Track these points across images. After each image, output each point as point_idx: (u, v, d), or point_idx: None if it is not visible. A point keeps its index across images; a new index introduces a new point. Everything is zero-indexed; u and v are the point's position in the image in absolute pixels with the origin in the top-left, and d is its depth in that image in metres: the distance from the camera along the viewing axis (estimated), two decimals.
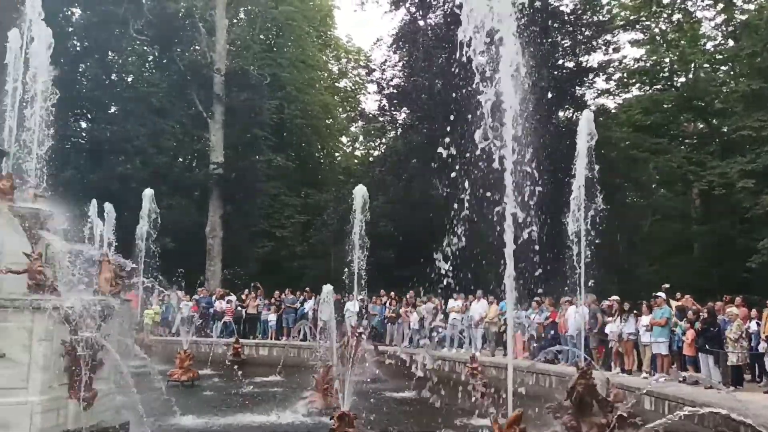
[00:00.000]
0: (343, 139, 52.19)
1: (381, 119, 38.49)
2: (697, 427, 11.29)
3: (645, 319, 16.04)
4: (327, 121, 48.06)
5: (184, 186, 38.66)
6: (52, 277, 9.81)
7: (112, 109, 38.85)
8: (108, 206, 20.53)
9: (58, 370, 9.44)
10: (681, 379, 13.98)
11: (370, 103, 54.82)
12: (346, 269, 22.28)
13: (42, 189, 11.99)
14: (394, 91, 34.83)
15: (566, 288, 15.05)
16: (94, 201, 20.42)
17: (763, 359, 14.03)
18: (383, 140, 44.42)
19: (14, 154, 12.95)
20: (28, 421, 8.94)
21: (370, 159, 44.88)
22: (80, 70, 37.83)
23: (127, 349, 11.60)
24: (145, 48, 41.74)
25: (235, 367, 20.03)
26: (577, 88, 32.59)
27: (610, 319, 17.04)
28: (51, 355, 9.33)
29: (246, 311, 26.42)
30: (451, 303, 21.97)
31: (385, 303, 24.57)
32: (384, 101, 35.73)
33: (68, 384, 9.56)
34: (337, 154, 50.82)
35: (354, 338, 19.14)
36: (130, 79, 41.64)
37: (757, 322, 14.70)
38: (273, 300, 26.43)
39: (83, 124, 39.45)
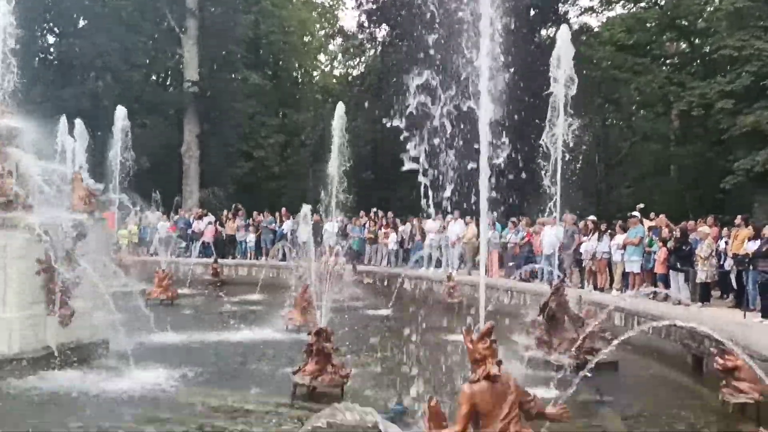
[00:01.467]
0: (322, 58, 51.06)
1: (360, 36, 37.55)
2: (664, 340, 11.67)
3: (619, 238, 16.31)
4: (305, 38, 46.82)
5: (158, 104, 37.81)
6: (24, 194, 9.64)
7: (81, 24, 37.38)
8: (79, 123, 19.97)
9: (34, 288, 9.43)
10: (651, 295, 14.34)
11: (349, 20, 53.29)
12: (325, 190, 22.26)
13: (9, 105, 11.60)
14: (373, 6, 33.85)
15: (542, 208, 15.17)
16: (63, 118, 19.85)
17: (730, 276, 14.41)
18: (362, 59, 43.50)
19: None
20: (6, 337, 9.01)
21: (349, 78, 44.05)
22: None
23: (104, 268, 11.59)
24: None
25: (214, 286, 20.20)
26: (560, 5, 31.95)
27: (585, 238, 17.31)
28: (27, 273, 9.31)
29: (225, 232, 26.43)
30: (429, 223, 22.12)
31: (364, 224, 24.68)
32: (363, 17, 34.76)
33: (45, 302, 9.59)
34: (315, 73, 49.80)
35: (332, 258, 19.34)
36: None
37: (726, 241, 15.02)
38: (251, 221, 26.41)
39: (51, 39, 38.02)
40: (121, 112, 24.66)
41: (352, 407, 3.56)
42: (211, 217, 27.35)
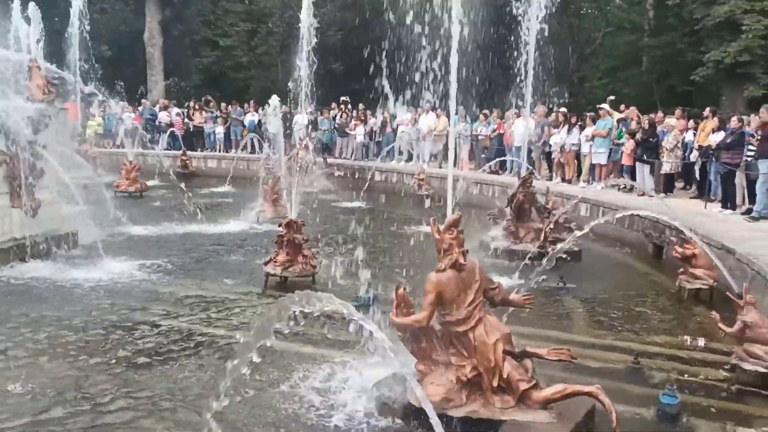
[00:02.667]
0: None
1: None
2: (627, 230, 12.02)
3: (588, 131, 16.39)
4: None
5: None
6: None
7: None
8: (32, 6, 18.91)
9: None
10: (617, 186, 14.62)
11: None
12: (294, 81, 21.72)
13: None
14: None
15: (515, 100, 15.06)
16: (17, 2, 18.78)
17: (694, 168, 14.69)
18: None
19: None
20: None
21: None
22: None
23: (68, 159, 11.37)
24: None
25: (183, 179, 20.03)
26: None
27: (555, 130, 17.35)
28: None
29: (193, 124, 25.92)
30: (400, 116, 21.91)
31: (334, 116, 24.36)
32: None
33: (9, 193, 9.43)
34: None
35: (302, 150, 19.19)
36: None
37: (693, 132, 15.20)
38: (220, 112, 25.87)
39: None
40: None
41: (323, 296, 3.64)
42: (177, 109, 26.71)
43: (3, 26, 17.30)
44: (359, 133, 23.08)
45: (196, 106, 26.36)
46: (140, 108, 26.80)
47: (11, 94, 10.18)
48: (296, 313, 3.49)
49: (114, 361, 5.94)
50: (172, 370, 5.77)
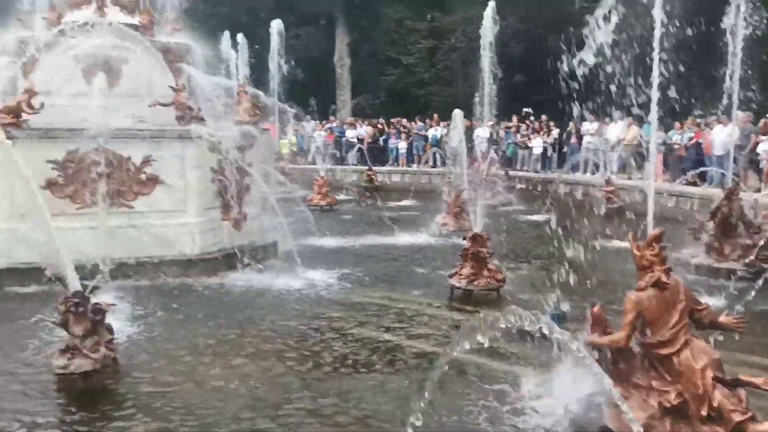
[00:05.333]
0: None
1: None
2: None
3: None
4: None
5: (310, 15, 38.39)
6: (197, 108, 10.32)
7: None
8: (241, 38, 20.84)
9: (210, 195, 10.24)
10: None
11: None
12: (476, 94, 21.82)
13: (178, 22, 12.30)
14: None
15: (718, 106, 13.93)
16: (227, 33, 20.78)
17: None
18: None
19: None
20: (190, 240, 9.91)
21: None
22: None
23: (268, 175, 12.30)
24: None
25: (369, 193, 20.84)
26: None
27: (764, 137, 15.79)
28: (203, 181, 10.09)
29: (378, 139, 26.98)
30: (586, 125, 21.17)
31: (517, 129, 24.10)
32: None
33: (220, 207, 10.39)
34: None
35: (484, 163, 19.19)
36: None
37: None
38: (402, 128, 26.66)
39: None
40: (277, 24, 25.38)
41: (521, 311, 3.58)
42: (364, 125, 27.94)
43: (215, 55, 19.20)
44: (537, 144, 22.66)
45: (381, 123, 27.43)
46: (330, 126, 28.40)
47: (223, 117, 11.26)
48: (498, 328, 3.48)
49: (312, 365, 6.29)
50: (365, 377, 5.99)
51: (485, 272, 8.78)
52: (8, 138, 6.92)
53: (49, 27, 11.04)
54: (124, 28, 10.57)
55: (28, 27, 11.61)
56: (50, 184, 9.17)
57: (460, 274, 8.84)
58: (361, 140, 26.86)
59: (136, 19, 11.21)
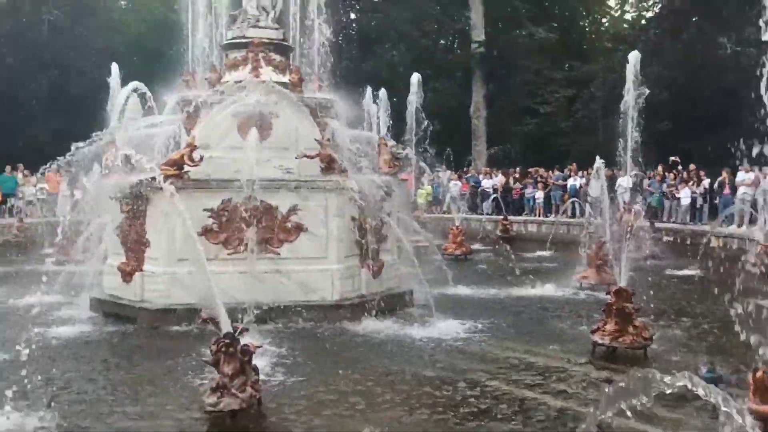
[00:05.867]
0: (611, 2, 48.00)
1: None
2: None
3: None
4: None
5: (446, 68, 39.27)
6: (340, 159, 10.78)
7: None
8: (382, 92, 21.69)
9: (350, 243, 10.56)
10: None
11: None
12: (619, 140, 21.18)
13: (324, 80, 13.01)
14: None
15: None
16: (369, 88, 21.72)
17: None
18: None
19: (298, 50, 14.15)
20: (330, 286, 10.24)
21: (643, 21, 40.81)
22: None
23: (405, 224, 12.53)
24: None
25: (504, 242, 20.56)
26: None
27: None
28: (344, 229, 10.45)
29: (512, 189, 26.74)
30: (741, 176, 19.82)
31: (662, 178, 23.03)
32: None
33: (359, 255, 10.68)
34: (603, 20, 47.10)
35: (627, 214, 18.39)
36: None
37: None
38: (539, 177, 26.28)
39: (352, 15, 41.59)
40: (416, 78, 26.14)
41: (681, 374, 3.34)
42: (499, 175, 27.84)
43: (358, 109, 20.05)
44: (685, 194, 21.48)
45: (516, 173, 27.20)
46: (466, 176, 28.55)
47: (364, 169, 11.68)
48: (652, 389, 3.29)
49: (453, 415, 6.23)
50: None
51: (631, 329, 8.34)
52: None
53: (210, 86, 12.04)
54: (276, 86, 11.32)
55: (191, 86, 12.75)
56: (206, 231, 9.85)
57: (603, 330, 8.45)
58: (496, 190, 26.77)
59: (286, 78, 11.96)
